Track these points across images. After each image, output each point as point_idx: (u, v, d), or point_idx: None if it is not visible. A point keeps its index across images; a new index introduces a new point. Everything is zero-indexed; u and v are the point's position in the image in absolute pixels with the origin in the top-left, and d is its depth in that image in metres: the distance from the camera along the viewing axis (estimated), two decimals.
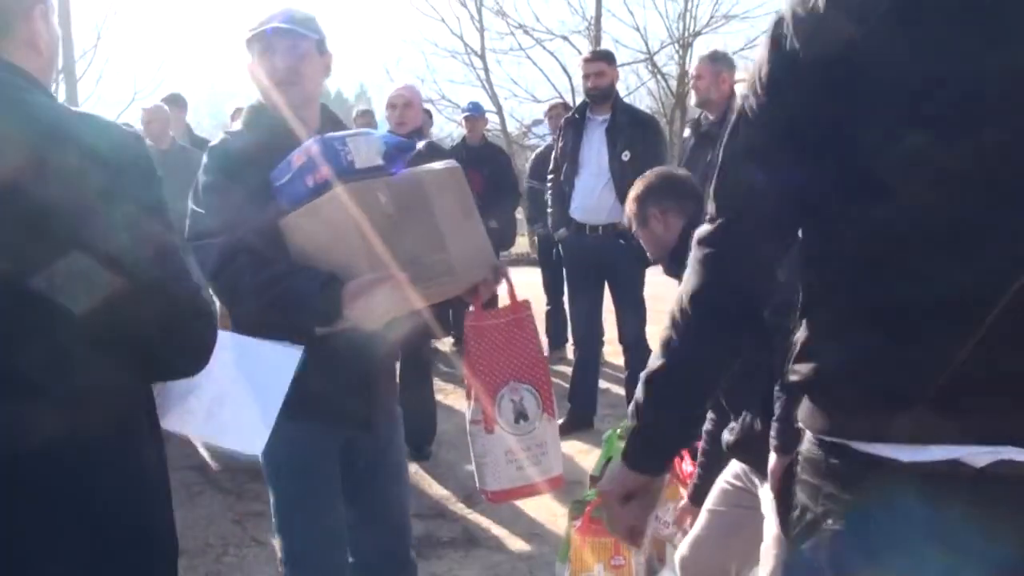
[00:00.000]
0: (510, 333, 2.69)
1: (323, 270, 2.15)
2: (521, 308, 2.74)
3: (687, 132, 5.56)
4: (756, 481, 2.58)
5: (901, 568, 1.23)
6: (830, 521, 1.30)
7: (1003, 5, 1.19)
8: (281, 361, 1.98)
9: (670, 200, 2.82)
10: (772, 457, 2.36)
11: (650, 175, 2.99)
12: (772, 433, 2.36)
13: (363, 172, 2.19)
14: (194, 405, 1.87)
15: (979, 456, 1.19)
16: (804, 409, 1.38)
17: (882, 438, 1.25)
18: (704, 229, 1.49)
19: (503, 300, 2.82)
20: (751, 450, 2.54)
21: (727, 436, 2.62)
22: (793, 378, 1.38)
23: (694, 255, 1.51)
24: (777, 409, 2.34)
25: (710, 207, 1.48)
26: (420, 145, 2.59)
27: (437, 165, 2.50)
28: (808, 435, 1.38)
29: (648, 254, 2.96)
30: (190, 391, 1.85)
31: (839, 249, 1.31)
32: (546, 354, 7.43)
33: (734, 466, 2.74)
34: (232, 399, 1.91)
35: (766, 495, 2.50)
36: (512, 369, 2.65)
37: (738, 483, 2.70)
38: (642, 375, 1.61)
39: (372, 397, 2.47)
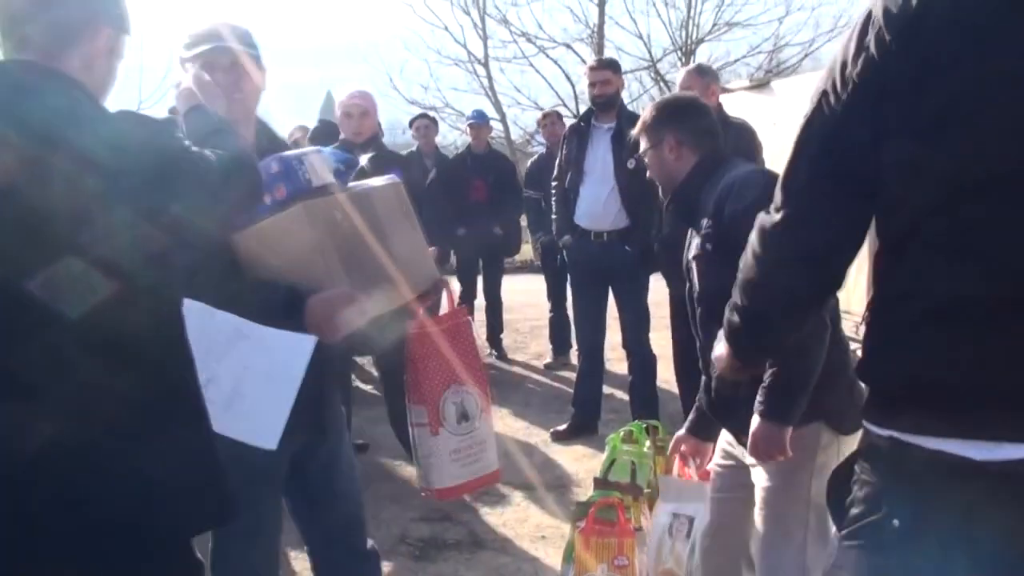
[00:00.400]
0: (450, 338, 2.82)
1: (283, 284, 2.20)
2: (459, 314, 2.87)
3: None
4: (742, 450, 2.60)
5: (969, 565, 1.22)
6: (895, 522, 1.30)
7: (1002, 32, 1.23)
8: (295, 349, 2.03)
9: (690, 132, 2.70)
10: (755, 420, 2.40)
11: (678, 100, 2.92)
12: (759, 398, 2.40)
13: (319, 190, 2.27)
14: (214, 395, 1.91)
15: None
16: (869, 404, 1.39)
17: (953, 435, 1.24)
18: (768, 221, 1.51)
19: (470, 311, 2.98)
20: (733, 414, 2.59)
21: (704, 396, 2.69)
22: (859, 373, 1.41)
23: (756, 247, 1.54)
24: (767, 378, 2.39)
25: (778, 196, 1.50)
26: (363, 161, 2.68)
27: (380, 181, 2.58)
28: (872, 432, 1.38)
29: (648, 173, 2.84)
30: (210, 381, 1.89)
31: (906, 251, 1.33)
32: (550, 360, 7.55)
33: (721, 443, 2.77)
34: (250, 390, 1.95)
35: (751, 460, 2.54)
36: (453, 372, 2.79)
37: (730, 461, 2.72)
38: (723, 331, 1.78)
39: (324, 402, 2.54)
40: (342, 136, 4.84)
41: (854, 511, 1.38)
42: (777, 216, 1.49)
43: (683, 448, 2.98)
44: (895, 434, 1.32)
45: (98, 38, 1.70)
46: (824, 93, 1.40)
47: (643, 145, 2.77)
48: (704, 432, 2.87)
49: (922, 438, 1.28)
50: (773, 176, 2.10)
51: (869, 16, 1.33)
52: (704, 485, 2.93)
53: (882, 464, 1.35)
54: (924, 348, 1.30)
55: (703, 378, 2.76)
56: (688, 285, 2.72)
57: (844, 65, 1.36)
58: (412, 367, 2.77)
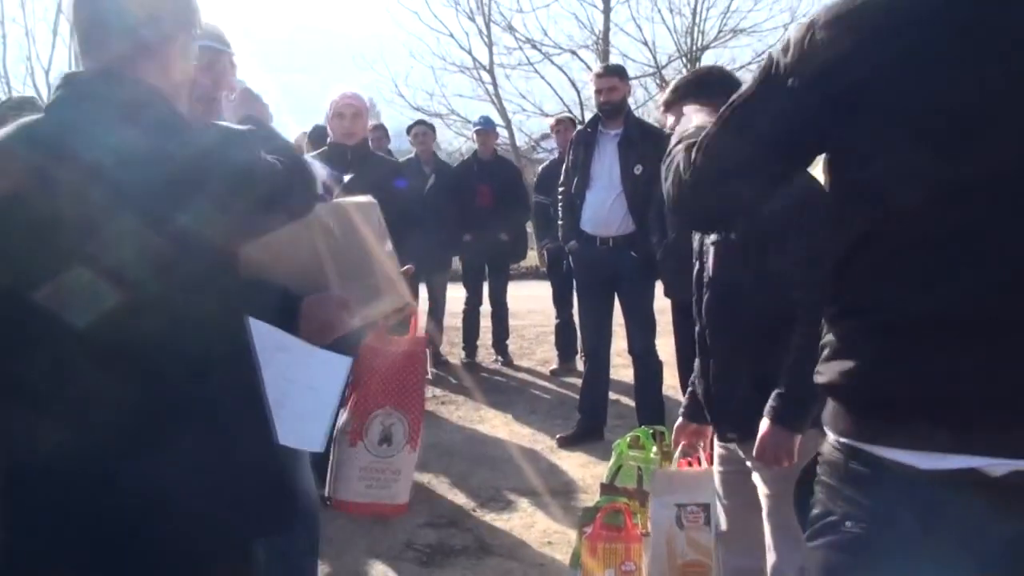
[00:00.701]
0: (402, 362, 2.84)
1: (278, 285, 2.22)
2: (419, 343, 2.88)
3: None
4: (741, 453, 2.59)
5: (916, 569, 1.26)
6: (848, 523, 1.34)
7: (994, 26, 1.25)
8: (333, 367, 2.04)
9: None
10: (765, 424, 2.39)
11: (730, 73, 2.81)
12: (772, 403, 2.40)
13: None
14: None
15: (996, 467, 1.22)
16: (828, 410, 1.42)
17: (903, 444, 1.28)
18: (685, 177, 1.54)
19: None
20: (728, 410, 2.58)
21: (700, 383, 2.66)
22: (819, 380, 1.42)
23: (672, 193, 1.59)
24: (783, 385, 2.39)
25: (698, 154, 1.53)
26: (346, 179, 2.72)
27: (360, 198, 2.61)
28: (830, 437, 1.41)
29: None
30: None
31: (869, 259, 1.35)
32: (555, 366, 7.55)
33: (718, 448, 2.75)
34: (291, 400, 1.96)
35: (751, 463, 2.53)
36: (392, 395, 2.83)
37: (729, 467, 2.71)
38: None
39: None
40: (331, 139, 4.61)
41: (814, 512, 1.42)
42: (691, 178, 1.53)
43: (684, 437, 2.96)
44: (849, 441, 1.36)
45: (173, 45, 1.71)
46: (760, 80, 1.45)
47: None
48: (701, 416, 2.84)
49: (874, 447, 1.32)
50: (813, 179, 2.10)
51: (811, 25, 1.35)
52: (708, 471, 2.91)
53: (839, 468, 1.38)
54: (875, 360, 1.33)
55: (698, 363, 2.73)
56: (699, 266, 2.68)
57: (789, 56, 1.38)
58: (355, 377, 2.80)
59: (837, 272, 1.42)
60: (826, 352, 1.43)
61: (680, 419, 2.95)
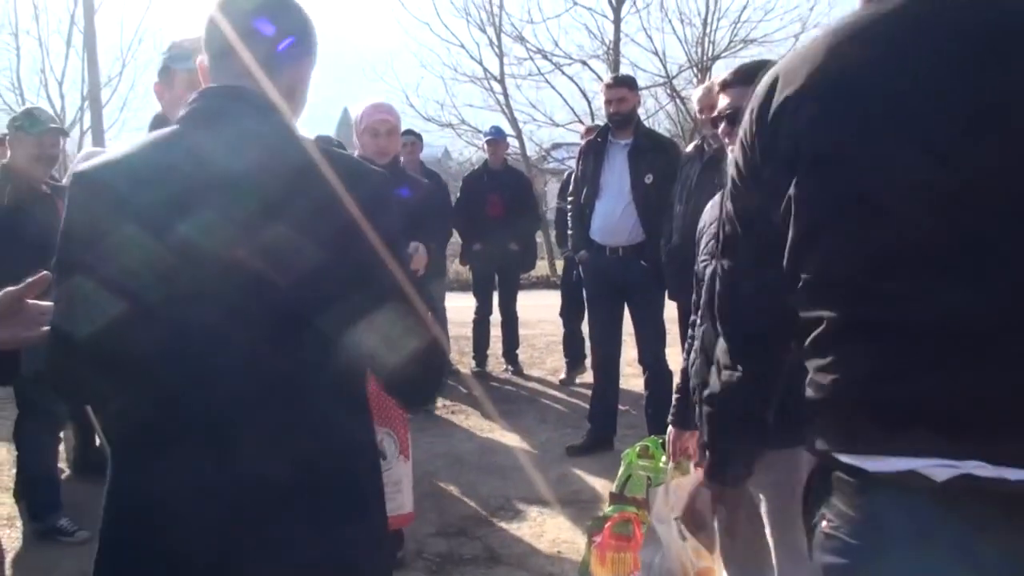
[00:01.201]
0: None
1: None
2: None
3: (688, 155, 5.31)
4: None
5: (873, 566, 1.31)
6: (824, 523, 1.38)
7: (997, 35, 1.25)
8: None
9: None
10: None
11: None
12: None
13: None
14: None
15: (938, 470, 1.24)
16: (808, 420, 1.44)
17: (850, 449, 1.33)
18: (718, 269, 1.64)
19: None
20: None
21: (698, 385, 2.54)
22: (809, 394, 1.44)
23: (717, 290, 1.66)
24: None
25: (718, 250, 1.63)
26: None
27: None
28: (812, 445, 1.45)
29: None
30: None
31: (830, 268, 1.36)
32: (564, 375, 7.55)
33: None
34: None
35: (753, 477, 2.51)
36: (378, 412, 2.84)
37: None
38: (705, 396, 1.77)
39: None
40: (359, 154, 4.20)
41: (805, 516, 1.48)
42: (721, 265, 1.67)
43: (681, 445, 2.92)
44: (821, 447, 1.40)
45: (299, 67, 1.72)
46: (740, 175, 1.51)
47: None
48: (692, 422, 2.74)
49: (837, 453, 1.36)
50: None
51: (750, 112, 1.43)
52: (695, 475, 2.86)
53: (818, 473, 1.43)
54: (826, 366, 1.37)
55: (697, 364, 2.62)
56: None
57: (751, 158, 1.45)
58: None
59: (794, 282, 1.43)
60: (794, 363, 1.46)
61: (671, 429, 2.89)
